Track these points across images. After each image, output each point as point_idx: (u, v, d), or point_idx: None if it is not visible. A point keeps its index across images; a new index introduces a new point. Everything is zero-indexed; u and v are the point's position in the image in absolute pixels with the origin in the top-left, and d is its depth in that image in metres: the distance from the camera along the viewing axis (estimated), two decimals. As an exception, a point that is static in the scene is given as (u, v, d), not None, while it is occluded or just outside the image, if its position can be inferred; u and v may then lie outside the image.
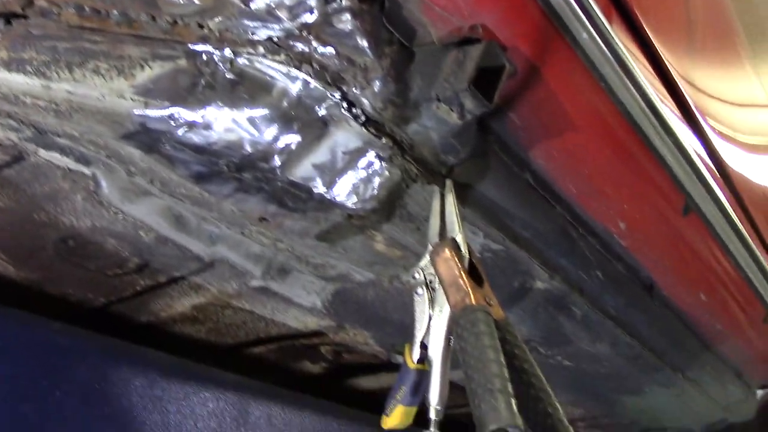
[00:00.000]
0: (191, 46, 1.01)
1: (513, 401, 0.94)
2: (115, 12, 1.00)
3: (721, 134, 1.78)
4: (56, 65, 1.02)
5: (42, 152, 1.19)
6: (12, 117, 1.12)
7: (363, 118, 1.06)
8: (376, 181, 1.13)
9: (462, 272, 1.12)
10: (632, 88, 1.21)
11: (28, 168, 1.24)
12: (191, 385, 1.71)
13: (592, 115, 1.33)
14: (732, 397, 2.88)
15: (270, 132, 1.06)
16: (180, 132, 1.06)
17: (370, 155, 1.11)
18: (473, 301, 1.08)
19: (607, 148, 1.43)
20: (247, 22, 0.99)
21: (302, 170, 1.11)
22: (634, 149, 1.42)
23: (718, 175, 1.72)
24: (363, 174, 1.12)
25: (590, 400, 2.52)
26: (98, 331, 1.59)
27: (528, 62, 1.15)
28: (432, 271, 1.17)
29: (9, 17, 1.02)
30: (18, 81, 1.03)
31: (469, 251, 1.17)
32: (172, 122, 1.05)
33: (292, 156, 1.09)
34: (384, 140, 1.09)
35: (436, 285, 1.16)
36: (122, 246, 1.41)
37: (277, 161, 1.09)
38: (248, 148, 1.07)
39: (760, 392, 3.20)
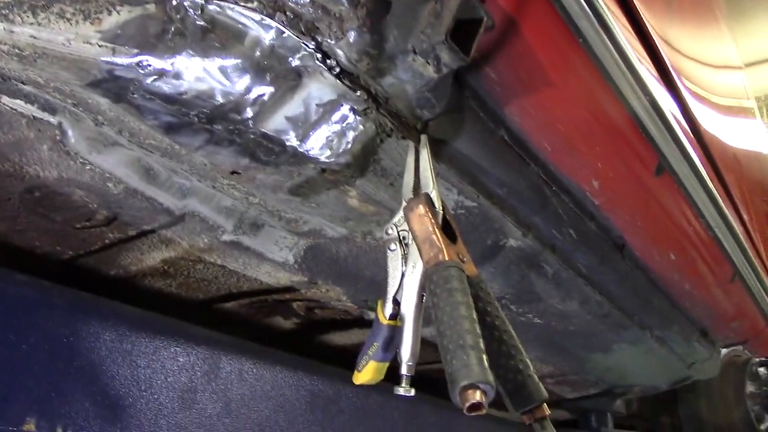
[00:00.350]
0: (161, -9, 0.98)
1: (485, 357, 0.94)
2: (80, -48, 0.96)
3: (695, 95, 1.79)
4: (19, 8, 0.98)
5: (5, 99, 1.15)
6: (-27, 62, 1.08)
7: (337, 69, 1.04)
8: (350, 135, 1.11)
9: (436, 228, 1.12)
10: (610, 44, 1.20)
11: (-9, 116, 1.20)
12: (161, 339, 1.69)
13: (568, 71, 1.33)
14: (698, 355, 2.93)
15: (242, 82, 1.04)
16: (149, 81, 1.03)
17: (345, 108, 1.09)
18: (446, 258, 1.08)
19: (582, 106, 1.42)
20: (218, -34, 0.96)
21: (275, 123, 1.09)
22: (610, 108, 1.41)
23: (692, 136, 1.73)
24: (337, 127, 1.11)
25: (559, 358, 2.56)
26: (66, 284, 1.57)
27: (506, 15, 1.13)
28: (405, 227, 1.16)
29: (-33, -45, 0.98)
30: (-21, 24, 0.99)
31: (443, 207, 1.17)
32: (141, 70, 1.02)
33: (264, 108, 1.07)
34: (359, 93, 1.07)
35: (410, 241, 1.15)
36: (90, 198, 1.38)
37: (249, 113, 1.07)
38: (219, 99, 1.05)
39: (724, 351, 3.28)
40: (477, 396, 0.91)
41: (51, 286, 1.52)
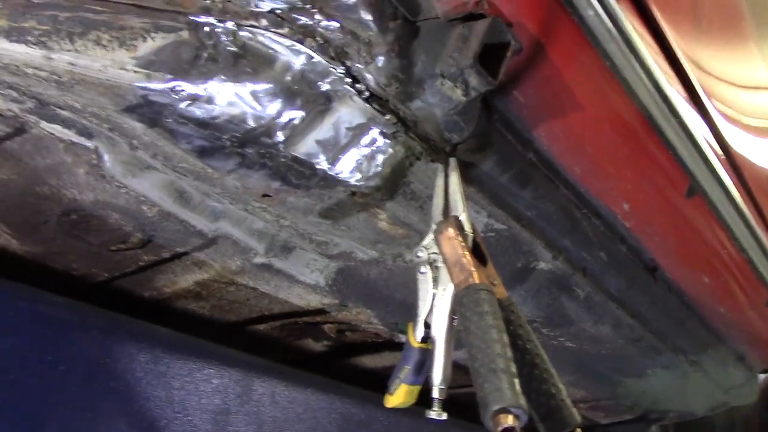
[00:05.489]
0: (193, 18, 1.00)
1: (516, 381, 0.94)
2: (116, -19, 0.99)
3: (726, 116, 1.77)
4: (57, 35, 1.01)
5: (44, 124, 1.19)
6: (13, 88, 1.11)
7: (367, 93, 1.05)
8: (380, 158, 1.12)
9: (466, 251, 1.12)
10: (638, 67, 1.20)
11: (30, 140, 1.23)
12: (195, 361, 1.71)
13: (597, 94, 1.32)
14: (734, 380, 2.88)
15: (273, 107, 1.06)
16: (182, 105, 1.05)
17: (374, 132, 1.10)
18: (476, 281, 1.08)
19: (611, 128, 1.42)
20: (249, -7, 0.98)
21: (305, 146, 1.11)
22: (639, 130, 1.41)
23: (723, 158, 1.71)
24: (366, 151, 1.12)
25: (592, 382, 2.53)
26: (101, 305, 1.59)
27: (533, 39, 1.13)
28: (435, 250, 1.17)
29: (9, -15, 1.01)
30: (19, 51, 1.02)
31: (473, 230, 1.17)
32: (174, 95, 1.04)
33: (295, 131, 1.08)
34: (388, 116, 1.09)
35: (440, 264, 1.16)
36: (125, 221, 1.40)
37: (280, 137, 1.09)
38: (251, 123, 1.07)
39: (762, 376, 3.21)
40: (509, 420, 0.90)
41: (87, 308, 1.54)
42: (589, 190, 1.53)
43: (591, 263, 1.72)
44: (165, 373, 1.62)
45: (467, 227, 1.16)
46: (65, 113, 1.17)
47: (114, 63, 1.03)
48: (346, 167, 1.13)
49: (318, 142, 1.10)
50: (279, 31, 1.00)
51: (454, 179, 1.20)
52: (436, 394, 1.08)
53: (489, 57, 1.02)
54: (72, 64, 1.03)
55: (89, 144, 1.23)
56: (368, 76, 1.04)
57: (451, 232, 1.14)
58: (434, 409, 1.09)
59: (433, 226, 1.18)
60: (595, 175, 1.50)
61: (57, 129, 1.20)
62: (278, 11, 0.99)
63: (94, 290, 1.74)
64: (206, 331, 1.87)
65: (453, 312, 1.12)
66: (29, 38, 1.02)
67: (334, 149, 1.11)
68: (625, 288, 1.88)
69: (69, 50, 1.02)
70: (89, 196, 1.33)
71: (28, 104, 1.15)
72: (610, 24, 1.11)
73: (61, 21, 1.01)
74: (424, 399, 1.15)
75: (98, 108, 1.12)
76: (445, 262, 1.14)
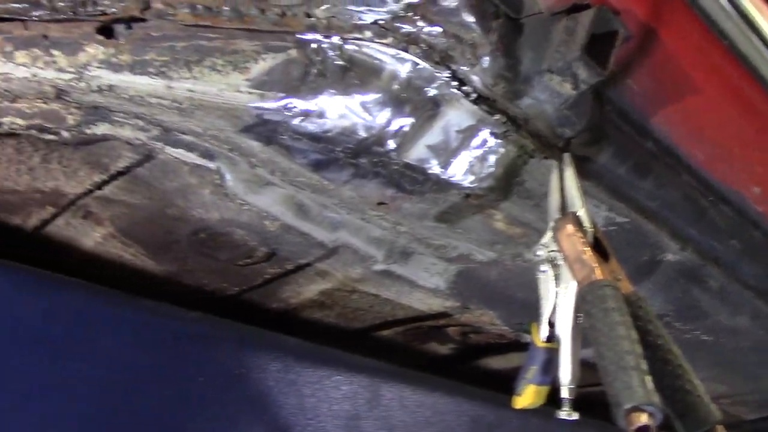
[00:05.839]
0: (300, 36, 1.03)
1: (648, 379, 0.91)
2: (226, 8, 1.03)
3: None
4: (176, 64, 1.07)
5: (169, 149, 1.25)
6: (140, 117, 1.18)
7: (474, 95, 1.05)
8: (492, 158, 1.12)
9: (586, 247, 1.10)
10: (758, 42, 1.14)
11: (157, 165, 1.30)
12: (324, 369, 1.75)
13: (715, 74, 1.27)
14: None
15: (383, 116, 1.07)
16: (295, 122, 1.08)
17: (484, 133, 1.10)
18: (599, 277, 1.05)
19: (734, 109, 1.35)
20: (352, 7, 1.00)
21: (417, 152, 1.12)
22: (763, 107, 1.34)
23: None
24: (478, 152, 1.12)
25: (733, 376, 2.41)
26: (232, 318, 1.66)
27: (643, 25, 1.10)
28: (555, 247, 1.15)
29: (129, 22, 1.07)
30: (142, 82, 1.08)
31: (593, 225, 1.14)
32: (287, 112, 1.07)
33: (406, 138, 1.10)
34: (497, 117, 1.08)
35: (560, 262, 1.14)
36: (250, 236, 1.46)
37: (391, 144, 1.10)
38: (362, 133, 1.09)
39: None
40: (643, 419, 0.88)
41: (220, 322, 1.61)
42: (715, 175, 1.46)
43: (723, 252, 1.64)
44: (296, 382, 1.67)
45: (586, 223, 1.14)
46: (188, 138, 1.22)
47: (229, 86, 1.07)
48: (459, 170, 1.13)
49: (429, 147, 1.11)
50: (383, 41, 1.01)
51: (570, 175, 1.18)
52: (565, 393, 1.06)
53: (597, 48, 1.00)
54: (191, 91, 1.08)
55: (212, 165, 1.28)
56: (474, 78, 1.03)
57: (569, 228, 1.12)
58: (564, 409, 1.07)
59: (551, 224, 1.17)
60: (720, 159, 1.44)
61: (181, 153, 1.26)
62: (381, 22, 1.00)
63: (226, 304, 1.81)
64: (333, 339, 1.91)
65: (577, 310, 1.10)
66: (151, 69, 1.08)
67: (446, 153, 1.12)
68: (762, 276, 1.79)
69: (187, 78, 1.07)
70: (215, 215, 1.39)
71: (154, 132, 1.22)
72: (724, 1, 1.07)
73: (178, 51, 1.06)
74: (554, 399, 1.13)
75: (217, 130, 1.17)
76: (565, 259, 1.12)
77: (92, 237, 1.56)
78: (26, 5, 1.02)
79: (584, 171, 1.26)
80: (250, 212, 1.37)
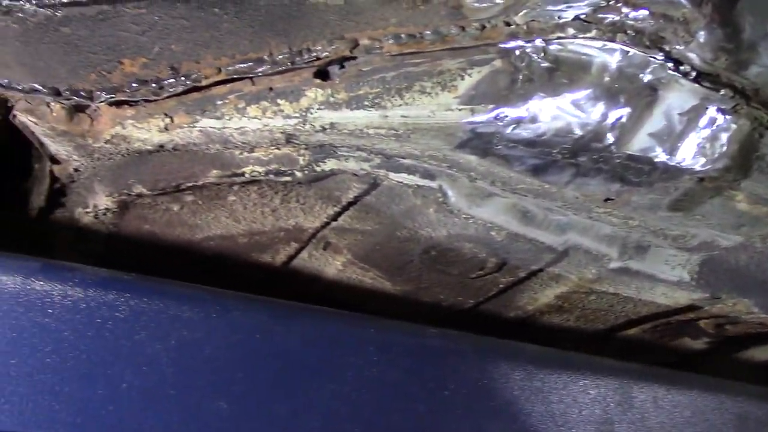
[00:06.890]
0: (503, 45, 1.05)
1: None
2: (428, 32, 1.07)
3: None
4: (388, 94, 1.12)
5: (391, 175, 1.31)
6: (361, 149, 1.24)
7: (693, 73, 1.01)
8: (724, 136, 1.07)
9: None
10: None
11: (383, 192, 1.36)
12: (569, 374, 1.72)
13: None
14: None
15: (597, 111, 1.05)
16: (508, 130, 1.09)
17: (711, 111, 1.05)
18: None
19: None
20: (551, 7, 0.99)
21: (639, 142, 1.09)
22: None
23: None
24: (707, 132, 1.07)
25: None
26: (472, 331, 1.68)
27: None
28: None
29: (341, 62, 1.14)
30: (360, 116, 1.14)
31: None
32: (500, 122, 1.09)
33: (625, 130, 1.07)
34: (723, 92, 1.03)
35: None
36: (478, 248, 1.48)
37: (610, 138, 1.08)
38: (578, 132, 1.07)
39: None
40: None
41: (459, 335, 1.64)
42: None
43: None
44: (541, 389, 1.65)
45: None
46: (407, 161, 1.27)
47: (440, 106, 1.10)
48: (688, 154, 1.09)
49: (651, 135, 1.08)
50: (587, 35, 1.00)
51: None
52: None
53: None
54: (404, 117, 1.13)
55: (433, 184, 1.32)
56: (691, 56, 0.99)
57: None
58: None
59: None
60: None
61: (404, 177, 1.31)
62: (583, 16, 0.99)
63: (464, 317, 1.84)
64: (575, 343, 1.87)
65: None
66: (366, 103, 1.13)
67: (671, 138, 1.08)
68: None
69: (400, 105, 1.12)
70: (442, 232, 1.43)
71: (376, 160, 1.28)
72: None
73: (388, 81, 1.11)
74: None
75: (434, 150, 1.20)
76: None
77: (333, 266, 1.66)
78: (251, 63, 1.12)
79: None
80: (476, 225, 1.39)
